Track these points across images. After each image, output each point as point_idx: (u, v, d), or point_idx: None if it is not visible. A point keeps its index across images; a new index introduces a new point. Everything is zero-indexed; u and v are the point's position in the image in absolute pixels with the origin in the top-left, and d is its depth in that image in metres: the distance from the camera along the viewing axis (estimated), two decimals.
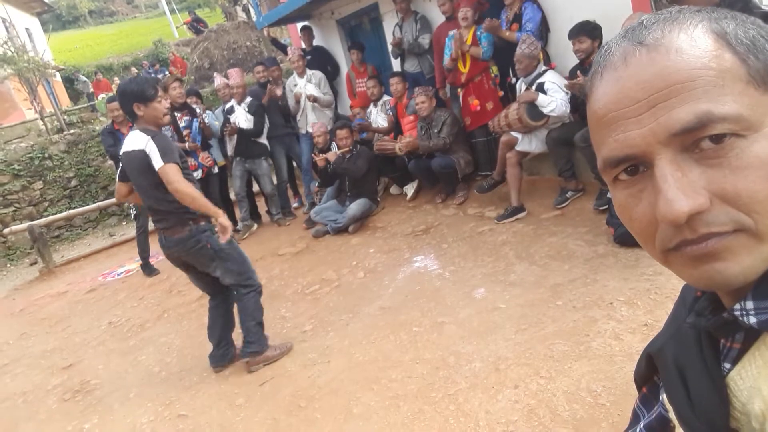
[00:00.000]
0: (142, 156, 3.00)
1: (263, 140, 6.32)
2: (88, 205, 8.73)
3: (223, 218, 3.08)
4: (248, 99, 6.20)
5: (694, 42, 0.47)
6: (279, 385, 3.15)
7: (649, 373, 0.71)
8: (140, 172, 3.07)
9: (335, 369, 3.15)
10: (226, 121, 6.13)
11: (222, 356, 3.53)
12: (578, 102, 4.23)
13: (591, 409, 2.23)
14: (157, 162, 2.97)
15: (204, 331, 4.16)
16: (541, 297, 3.26)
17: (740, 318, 0.48)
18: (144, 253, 6.02)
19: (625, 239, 3.52)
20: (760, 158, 0.45)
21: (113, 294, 5.77)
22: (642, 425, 0.72)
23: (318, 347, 3.45)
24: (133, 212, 6.02)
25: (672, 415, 0.64)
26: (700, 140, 0.46)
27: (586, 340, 2.72)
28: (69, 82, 23.44)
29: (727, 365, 0.53)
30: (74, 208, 8.87)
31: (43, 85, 14.61)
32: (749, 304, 0.48)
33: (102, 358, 4.21)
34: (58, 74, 21.50)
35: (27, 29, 22.58)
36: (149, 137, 3.01)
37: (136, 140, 3.04)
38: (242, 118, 6.07)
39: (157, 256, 6.54)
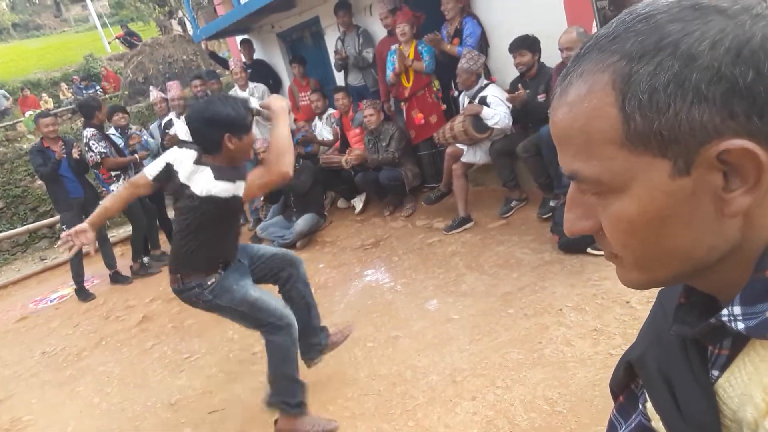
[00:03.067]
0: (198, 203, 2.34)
1: None
2: (16, 227, 8.21)
3: None
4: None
5: (586, 97, 0.48)
6: (229, 412, 3.02)
7: (627, 381, 0.70)
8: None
9: None
10: (165, 135, 5.92)
11: (310, 347, 2.88)
12: (519, 114, 4.34)
13: (548, 417, 2.25)
14: (236, 190, 2.30)
15: (146, 358, 3.99)
16: (492, 306, 3.28)
17: (728, 324, 0.48)
18: (78, 278, 5.69)
19: (569, 246, 3.62)
20: (618, 215, 0.50)
21: (46, 322, 5.42)
22: None
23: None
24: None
25: (654, 424, 0.63)
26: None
27: (539, 348, 2.75)
28: None
29: (716, 372, 0.52)
30: (1, 231, 8.31)
31: None
32: (737, 310, 0.47)
33: (35, 392, 3.93)
34: None
35: None
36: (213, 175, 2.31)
37: (199, 178, 2.34)
38: (183, 131, 5.88)
39: (92, 280, 6.22)
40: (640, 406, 0.67)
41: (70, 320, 5.27)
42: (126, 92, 13.18)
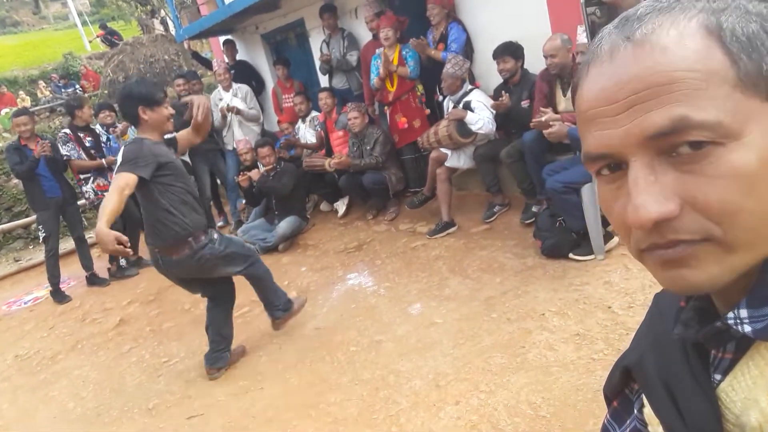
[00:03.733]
0: None
1: (185, 157, 6.05)
2: None
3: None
4: None
5: (683, 40, 0.45)
6: (209, 417, 2.97)
7: (622, 386, 0.69)
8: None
9: (269, 395, 3.01)
10: None
11: (218, 358, 3.34)
12: (503, 120, 4.37)
13: (532, 421, 2.25)
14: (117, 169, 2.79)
15: (123, 362, 3.91)
16: (475, 310, 3.28)
17: (734, 327, 0.47)
18: (54, 279, 5.56)
19: (552, 251, 3.64)
20: (735, 169, 0.43)
21: (20, 324, 5.28)
22: None
23: (249, 373, 3.30)
24: (42, 234, 5.55)
25: (651, 429, 0.62)
26: (677, 145, 0.44)
27: (522, 352, 2.76)
28: None
29: (718, 376, 0.51)
30: None
31: None
32: (743, 312, 0.47)
33: (7, 396, 3.83)
34: None
35: None
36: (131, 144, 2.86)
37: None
38: None
39: (69, 281, 6.09)
40: (636, 411, 0.66)
41: (44, 323, 5.15)
42: (106, 91, 12.98)
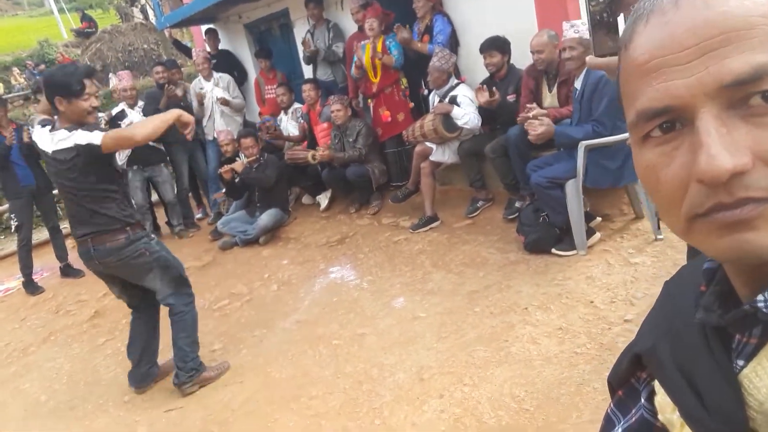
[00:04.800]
0: (74, 152, 2.69)
1: (160, 146, 5.93)
2: None
3: (185, 115, 2.92)
4: (140, 103, 5.84)
5: None
6: (187, 410, 2.91)
7: (629, 375, 0.67)
8: (69, 170, 2.74)
9: (250, 389, 2.96)
10: (115, 126, 5.65)
11: (145, 375, 3.19)
12: (488, 115, 4.36)
13: (516, 415, 2.24)
14: (95, 138, 2.66)
15: (98, 354, 3.82)
16: (459, 304, 3.27)
17: (764, 310, 0.45)
18: (26, 269, 5.41)
19: (535, 246, 3.65)
20: None
21: None
22: (620, 430, 0.68)
23: (229, 367, 3.24)
24: (13, 224, 5.39)
25: (661, 417, 0.60)
26: (750, 96, 0.42)
27: (505, 346, 2.75)
28: None
29: (740, 362, 0.49)
30: None
31: None
32: None
33: None
34: None
35: None
36: (71, 132, 2.70)
37: (58, 139, 2.71)
38: (137, 121, 5.66)
39: (42, 272, 5.94)
40: (643, 400, 0.64)
41: (16, 314, 5.01)
42: None
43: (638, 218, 3.71)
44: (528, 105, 3.73)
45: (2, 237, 8.35)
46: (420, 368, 2.73)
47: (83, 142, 2.66)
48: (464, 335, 2.94)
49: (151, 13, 14.70)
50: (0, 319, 4.98)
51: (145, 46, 14.12)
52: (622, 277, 3.10)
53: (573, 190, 3.44)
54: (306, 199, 6.16)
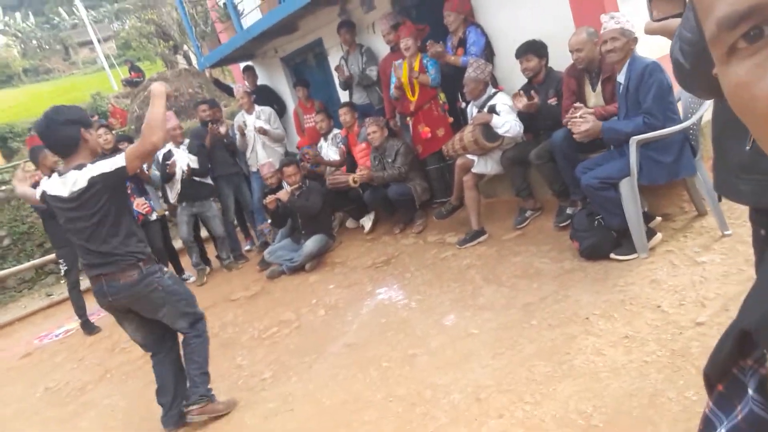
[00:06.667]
0: (90, 188, 2.68)
1: (209, 180, 6.05)
2: (22, 264, 8.09)
3: (163, 85, 2.87)
4: (186, 140, 5.99)
5: None
6: None
7: (731, 363, 0.53)
8: (81, 209, 2.72)
9: (300, 417, 2.86)
10: (166, 166, 5.81)
11: (180, 416, 3.08)
12: (529, 121, 4.21)
13: None
14: (118, 161, 2.69)
15: (151, 390, 3.77)
16: (513, 318, 3.10)
17: None
18: (80, 310, 5.56)
19: (591, 252, 3.44)
20: None
21: (50, 357, 5.27)
22: None
23: (279, 395, 3.16)
24: (63, 268, 5.57)
25: None
26: None
27: (567, 359, 2.56)
28: (2, 140, 22.39)
29: None
30: (7, 268, 8.22)
31: None
32: None
33: (37, 429, 3.77)
34: None
35: None
36: (81, 169, 2.70)
37: (72, 181, 2.70)
38: (183, 160, 5.80)
39: (98, 313, 6.07)
40: (751, 391, 0.50)
41: (74, 354, 5.12)
42: (132, 127, 13.28)
43: (701, 215, 3.45)
44: (576, 105, 3.55)
45: (62, 282, 8.67)
46: (476, 387, 2.57)
47: (108, 169, 2.68)
48: (522, 350, 2.76)
49: (193, 58, 15.31)
50: (60, 359, 5.10)
51: (190, 90, 14.66)
52: (690, 278, 2.86)
53: (628, 190, 3.23)
54: (350, 223, 6.12)
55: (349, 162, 5.86)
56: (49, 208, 2.94)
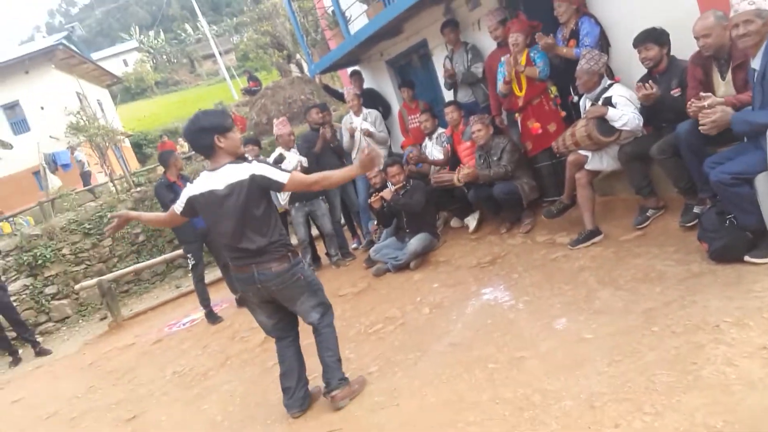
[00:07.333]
0: (248, 185, 2.86)
1: None
2: (155, 258, 8.92)
3: (364, 162, 3.03)
4: (295, 144, 6.30)
5: None
6: (347, 431, 2.90)
7: None
8: (236, 207, 2.87)
9: (405, 412, 2.88)
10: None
11: (304, 399, 3.25)
12: (650, 114, 3.92)
13: None
14: (281, 177, 2.91)
15: (267, 377, 4.02)
16: (632, 324, 2.89)
17: None
18: (205, 302, 6.02)
19: (722, 254, 3.13)
20: None
21: (178, 344, 5.74)
22: None
23: (385, 389, 3.19)
24: (191, 262, 6.05)
25: None
26: None
27: (693, 369, 2.34)
28: (138, 147, 24.91)
29: None
30: (142, 261, 9.09)
31: (113, 149, 15.46)
32: None
33: (165, 409, 4.11)
34: (127, 140, 22.79)
35: (98, 100, 24.39)
36: (246, 163, 2.94)
37: (228, 174, 2.88)
38: (296, 161, 6.07)
39: (221, 304, 6.53)
40: None
41: (199, 342, 5.53)
42: (252, 132, 14.14)
43: None
44: (702, 94, 3.24)
45: (190, 275, 9.44)
46: (590, 394, 2.43)
47: (270, 176, 2.89)
48: (641, 358, 2.57)
49: (305, 65, 16.00)
50: (186, 346, 5.54)
51: (302, 97, 15.32)
52: None
53: (765, 185, 2.90)
54: (454, 222, 6.07)
55: (453, 161, 5.82)
56: (192, 213, 3.06)
